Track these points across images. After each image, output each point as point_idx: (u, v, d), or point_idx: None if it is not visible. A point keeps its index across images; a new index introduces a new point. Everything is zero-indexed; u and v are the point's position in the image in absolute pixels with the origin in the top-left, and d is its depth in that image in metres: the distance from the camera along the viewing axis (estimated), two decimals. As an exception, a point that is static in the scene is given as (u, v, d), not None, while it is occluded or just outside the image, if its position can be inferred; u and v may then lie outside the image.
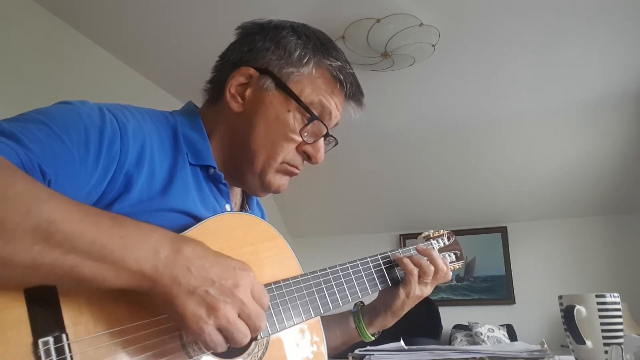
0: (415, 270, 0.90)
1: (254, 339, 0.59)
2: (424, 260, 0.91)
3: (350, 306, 0.89)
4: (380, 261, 0.91)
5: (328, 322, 0.95)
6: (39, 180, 0.54)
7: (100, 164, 0.61)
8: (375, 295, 0.94)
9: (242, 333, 0.55)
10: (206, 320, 0.53)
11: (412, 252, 0.96)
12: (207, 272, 0.54)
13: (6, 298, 0.48)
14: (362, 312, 0.97)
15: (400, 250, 0.96)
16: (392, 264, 0.92)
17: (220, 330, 0.54)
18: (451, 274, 0.99)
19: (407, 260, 0.90)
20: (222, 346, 0.55)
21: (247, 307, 0.56)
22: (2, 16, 2.26)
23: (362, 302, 0.99)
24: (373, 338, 0.97)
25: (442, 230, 1.10)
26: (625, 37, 2.75)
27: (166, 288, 0.52)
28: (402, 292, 0.91)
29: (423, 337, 3.46)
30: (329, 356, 0.93)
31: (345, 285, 0.82)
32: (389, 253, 0.94)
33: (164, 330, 0.57)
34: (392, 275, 0.91)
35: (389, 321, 0.95)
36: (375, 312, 0.95)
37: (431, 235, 1.07)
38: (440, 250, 1.04)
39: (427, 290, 0.94)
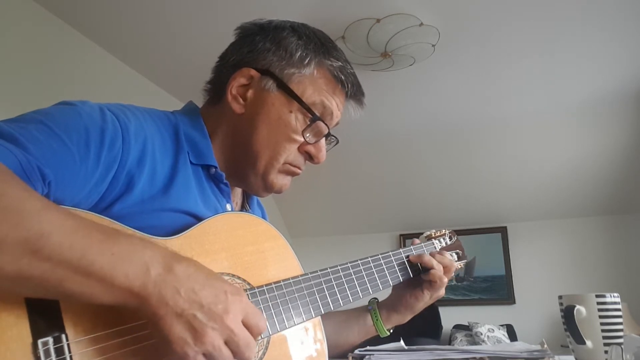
0: (445, 279, 0.93)
1: None
2: (447, 261, 0.94)
3: (349, 306, 0.89)
4: (382, 261, 0.91)
5: (346, 320, 0.98)
6: (38, 182, 0.54)
7: (101, 164, 0.61)
8: (376, 295, 0.94)
9: None
10: (191, 345, 0.51)
11: (403, 254, 0.96)
12: (196, 294, 0.52)
13: (6, 298, 0.48)
14: (379, 308, 0.99)
15: (401, 250, 0.95)
16: (393, 264, 0.92)
17: (205, 356, 0.52)
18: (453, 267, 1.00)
19: (437, 268, 0.92)
20: None
21: (236, 335, 0.54)
22: (2, 16, 2.26)
23: (376, 299, 1.01)
24: (389, 333, 0.99)
25: (443, 230, 1.09)
26: (625, 38, 2.75)
27: (153, 308, 0.50)
28: (427, 295, 0.94)
29: (423, 337, 3.46)
30: (337, 354, 0.93)
31: (346, 285, 0.82)
32: (390, 253, 0.93)
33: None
34: (394, 275, 0.91)
35: (407, 317, 0.98)
36: (394, 310, 0.98)
37: (433, 235, 1.06)
38: (442, 250, 1.04)
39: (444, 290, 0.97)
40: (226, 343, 0.54)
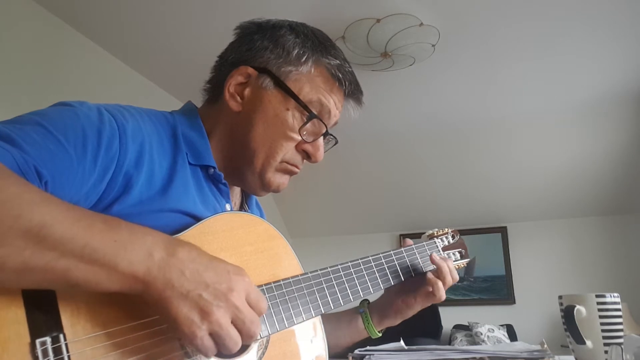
0: (444, 292, 0.91)
1: (246, 346, 0.58)
2: (445, 274, 0.92)
3: (350, 305, 0.89)
4: (383, 260, 0.90)
5: (337, 323, 0.97)
6: (35, 182, 0.54)
7: (99, 165, 0.61)
8: (377, 294, 0.94)
9: (233, 340, 0.54)
10: (199, 324, 0.52)
11: (405, 253, 0.95)
12: (201, 275, 0.53)
13: (4, 298, 0.48)
14: (370, 311, 0.98)
15: (403, 249, 0.95)
16: (394, 264, 0.92)
17: (212, 335, 0.53)
18: (456, 274, 0.99)
19: (440, 285, 0.90)
20: (212, 351, 0.54)
21: (242, 312, 0.55)
22: (2, 16, 2.26)
23: (367, 300, 1.00)
24: (380, 335, 0.98)
25: (446, 229, 1.08)
26: (624, 38, 2.75)
27: (159, 291, 0.51)
28: (419, 304, 0.94)
29: (423, 337, 3.46)
30: (335, 355, 0.93)
31: (346, 284, 0.81)
32: (391, 252, 0.93)
33: (162, 330, 0.57)
34: (395, 275, 0.91)
35: (398, 321, 0.98)
36: (385, 315, 0.97)
37: (435, 234, 1.06)
38: (445, 248, 1.03)
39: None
40: (232, 321, 0.54)
